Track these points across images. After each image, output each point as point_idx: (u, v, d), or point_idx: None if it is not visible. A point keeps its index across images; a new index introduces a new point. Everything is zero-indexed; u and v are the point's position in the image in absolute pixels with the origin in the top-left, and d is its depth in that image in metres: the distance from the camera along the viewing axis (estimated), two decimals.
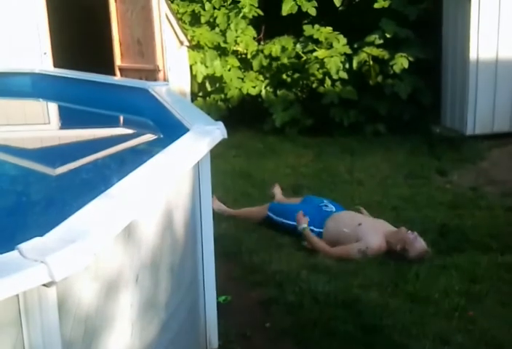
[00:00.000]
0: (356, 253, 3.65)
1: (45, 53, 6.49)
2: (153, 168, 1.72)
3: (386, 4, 6.97)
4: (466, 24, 6.39)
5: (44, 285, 1.12)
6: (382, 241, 3.71)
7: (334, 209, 4.14)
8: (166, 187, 1.74)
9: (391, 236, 3.71)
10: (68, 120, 4.50)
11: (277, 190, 4.77)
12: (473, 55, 6.36)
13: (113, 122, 3.91)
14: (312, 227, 3.98)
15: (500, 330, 2.85)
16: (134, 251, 1.58)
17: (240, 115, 7.53)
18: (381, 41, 6.94)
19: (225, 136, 2.25)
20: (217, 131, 2.19)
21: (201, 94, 7.65)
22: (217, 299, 2.84)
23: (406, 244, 3.62)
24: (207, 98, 7.64)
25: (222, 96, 7.56)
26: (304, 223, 3.89)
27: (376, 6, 6.99)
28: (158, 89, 3.28)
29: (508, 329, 2.87)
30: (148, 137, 3.41)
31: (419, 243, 3.65)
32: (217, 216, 4.16)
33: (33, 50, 6.35)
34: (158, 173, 1.69)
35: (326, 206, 4.16)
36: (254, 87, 7.44)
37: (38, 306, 1.16)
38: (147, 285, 1.69)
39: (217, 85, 7.48)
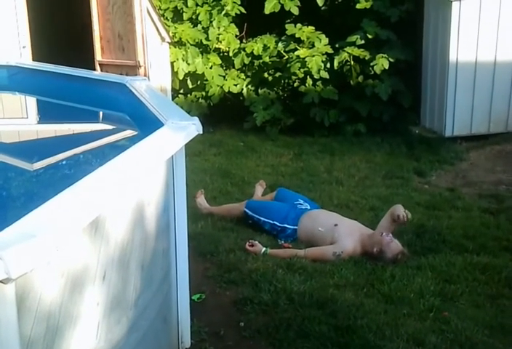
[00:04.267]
0: (331, 256, 3.65)
1: (24, 46, 6.38)
2: (123, 162, 1.68)
3: (368, 5, 6.99)
4: (447, 26, 6.44)
5: (1, 281, 1.07)
6: (357, 245, 3.71)
7: (308, 207, 4.14)
8: (137, 182, 1.69)
9: (367, 239, 3.71)
10: (45, 114, 4.41)
11: (259, 188, 4.74)
12: (452, 57, 6.42)
13: (89, 116, 3.84)
14: (286, 225, 3.96)
15: (474, 331, 2.85)
16: (102, 247, 1.54)
17: (221, 114, 7.50)
18: (362, 42, 6.96)
19: (201, 131, 2.21)
20: (193, 127, 2.15)
21: (182, 91, 7.60)
22: (191, 297, 2.81)
23: (383, 246, 3.62)
24: (188, 95, 7.59)
25: (204, 93, 7.52)
26: (259, 248, 3.65)
27: (358, 6, 7.02)
28: (136, 84, 3.23)
29: (483, 330, 2.88)
30: (123, 131, 3.36)
31: (395, 245, 3.66)
32: (195, 214, 4.14)
33: (12, 43, 6.24)
34: (128, 167, 1.65)
35: (300, 204, 4.15)
36: (235, 85, 7.41)
37: None
38: (115, 282, 1.64)
39: (199, 82, 7.44)
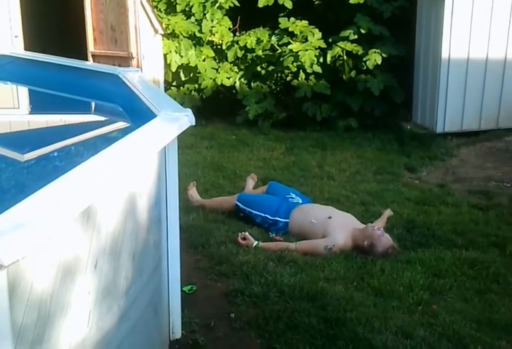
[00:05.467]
0: (322, 250, 3.66)
1: (16, 36, 6.34)
2: (116, 152, 1.68)
3: (362, 0, 7.00)
4: (439, 23, 6.46)
5: None
6: (348, 238, 3.73)
7: (300, 201, 4.16)
8: (129, 173, 1.69)
9: (359, 233, 3.73)
10: (37, 104, 4.39)
11: (250, 181, 4.75)
12: (444, 54, 6.44)
13: (81, 107, 3.83)
14: (277, 218, 3.98)
15: (461, 325, 2.88)
16: (94, 237, 1.54)
17: (214, 107, 7.49)
18: (355, 37, 6.97)
19: (193, 123, 2.21)
20: (185, 118, 2.15)
21: (174, 83, 7.57)
22: (182, 288, 2.81)
23: (374, 240, 3.65)
24: (181, 88, 7.57)
25: (196, 86, 7.50)
26: (251, 241, 3.66)
27: (352, 1, 7.02)
28: (129, 75, 3.22)
29: (470, 324, 2.91)
30: (115, 122, 3.35)
31: (386, 239, 3.68)
32: (187, 207, 4.14)
33: (4, 33, 6.19)
34: (120, 157, 1.65)
35: (292, 197, 4.17)
36: (228, 78, 7.40)
37: None
38: (106, 271, 1.65)
39: (191, 75, 7.42)
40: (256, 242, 3.66)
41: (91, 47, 6.67)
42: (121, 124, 3.13)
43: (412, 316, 2.94)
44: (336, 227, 3.76)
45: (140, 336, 2.05)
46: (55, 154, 2.94)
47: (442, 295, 3.23)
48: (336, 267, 3.43)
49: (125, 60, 6.25)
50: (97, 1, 6.50)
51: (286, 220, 3.95)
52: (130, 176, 1.73)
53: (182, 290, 2.71)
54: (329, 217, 3.83)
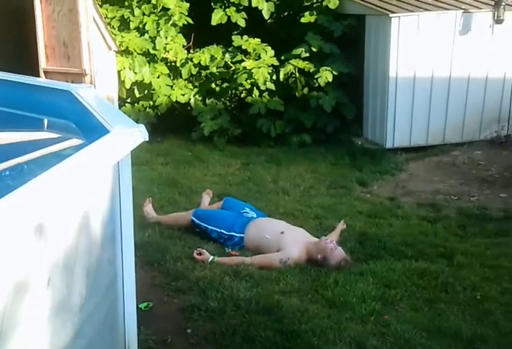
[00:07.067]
0: (278, 263, 3.72)
1: None
2: (67, 168, 1.68)
3: (313, 19, 7.19)
4: (386, 42, 6.69)
5: None
6: (302, 252, 3.80)
7: (255, 215, 4.21)
8: (82, 188, 1.70)
9: (312, 247, 3.81)
10: None
11: (206, 197, 4.77)
12: (392, 72, 6.67)
13: (33, 124, 3.77)
14: (233, 233, 4.01)
15: (412, 334, 2.97)
16: (46, 253, 1.53)
17: (169, 123, 7.50)
18: (307, 55, 7.14)
19: (147, 138, 2.23)
20: (138, 134, 2.17)
21: (129, 100, 7.55)
22: (139, 305, 2.80)
23: (327, 253, 3.72)
24: (136, 104, 7.55)
25: (151, 103, 7.50)
26: (207, 257, 3.69)
27: (303, 20, 7.21)
28: (81, 91, 3.20)
29: (421, 333, 3.00)
30: (67, 139, 3.32)
31: (338, 253, 3.77)
32: (143, 223, 4.13)
33: None
34: (72, 173, 1.65)
35: (247, 212, 4.22)
36: (183, 95, 7.44)
37: None
38: (59, 288, 1.64)
39: (146, 92, 7.42)
40: (212, 257, 3.68)
41: (43, 64, 6.58)
42: (74, 141, 3.11)
43: (364, 327, 3.01)
44: (289, 241, 3.83)
45: None
46: (6, 173, 2.89)
47: (393, 305, 3.32)
48: (291, 280, 3.48)
49: (78, 77, 6.19)
50: (48, 17, 6.44)
51: (242, 235, 3.99)
52: (82, 192, 1.74)
53: (138, 307, 2.69)
54: (282, 232, 3.89)
